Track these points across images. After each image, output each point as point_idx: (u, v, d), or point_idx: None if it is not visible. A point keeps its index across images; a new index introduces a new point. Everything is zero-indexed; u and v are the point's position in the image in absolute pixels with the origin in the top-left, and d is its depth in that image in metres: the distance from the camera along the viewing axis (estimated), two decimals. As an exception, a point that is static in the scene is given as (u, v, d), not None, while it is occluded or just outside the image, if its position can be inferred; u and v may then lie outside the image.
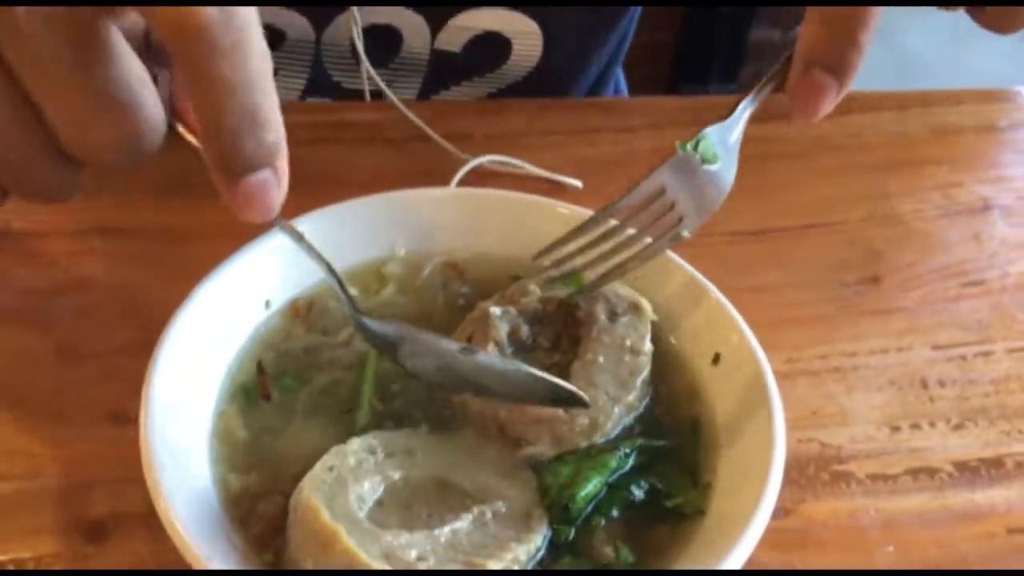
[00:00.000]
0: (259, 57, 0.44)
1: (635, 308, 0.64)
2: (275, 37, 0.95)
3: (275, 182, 0.47)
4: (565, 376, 0.62)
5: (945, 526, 0.65)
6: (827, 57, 0.54)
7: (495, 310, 0.64)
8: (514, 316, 0.64)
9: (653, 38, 2.79)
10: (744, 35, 2.86)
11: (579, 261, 0.64)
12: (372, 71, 0.89)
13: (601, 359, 0.62)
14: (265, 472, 0.57)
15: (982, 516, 0.66)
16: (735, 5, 2.70)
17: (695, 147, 0.60)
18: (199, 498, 0.54)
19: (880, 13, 0.53)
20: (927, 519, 0.65)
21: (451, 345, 0.59)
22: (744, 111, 0.61)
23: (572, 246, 0.64)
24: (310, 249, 0.57)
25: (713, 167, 0.60)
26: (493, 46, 0.99)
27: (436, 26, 0.97)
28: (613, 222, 0.62)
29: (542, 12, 0.97)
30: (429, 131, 0.88)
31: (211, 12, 0.42)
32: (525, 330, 0.64)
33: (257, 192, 0.46)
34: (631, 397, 0.61)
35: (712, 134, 0.61)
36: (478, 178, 0.84)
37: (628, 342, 0.63)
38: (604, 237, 0.63)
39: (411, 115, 0.88)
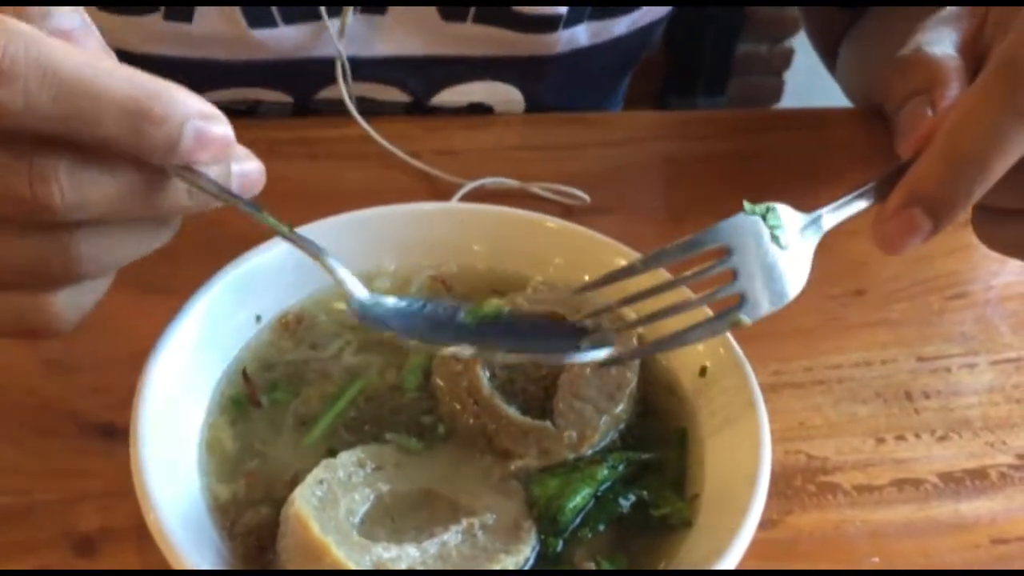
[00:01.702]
0: (79, 69, 0.43)
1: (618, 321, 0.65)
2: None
3: (205, 124, 0.46)
4: (552, 389, 0.62)
5: (930, 537, 0.66)
6: (934, 201, 0.51)
7: None
8: None
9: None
10: (731, 49, 2.88)
11: (626, 315, 0.59)
12: (362, 120, 0.89)
13: (588, 372, 0.62)
14: (255, 484, 0.57)
15: (967, 527, 0.66)
16: (723, 5, 2.72)
17: (764, 214, 0.54)
18: (190, 511, 0.54)
19: (1009, 163, 0.50)
20: (912, 530, 0.66)
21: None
22: (831, 211, 0.56)
23: (616, 294, 0.57)
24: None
25: (784, 251, 0.53)
26: (475, 111, 1.00)
27: (421, 101, 0.98)
28: (665, 274, 0.57)
29: (525, 83, 0.98)
30: (421, 165, 0.88)
31: None
32: None
33: (199, 146, 0.46)
34: (618, 409, 0.61)
35: (784, 211, 0.54)
36: (478, 195, 0.85)
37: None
38: (652, 291, 0.56)
39: (404, 155, 0.89)
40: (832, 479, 0.68)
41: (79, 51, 0.44)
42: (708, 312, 0.56)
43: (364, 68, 0.92)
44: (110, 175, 0.46)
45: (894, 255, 0.53)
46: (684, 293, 0.59)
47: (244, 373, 0.63)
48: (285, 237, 0.54)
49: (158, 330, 0.59)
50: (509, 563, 0.53)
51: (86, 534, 0.60)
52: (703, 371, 0.63)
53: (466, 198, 0.85)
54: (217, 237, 0.62)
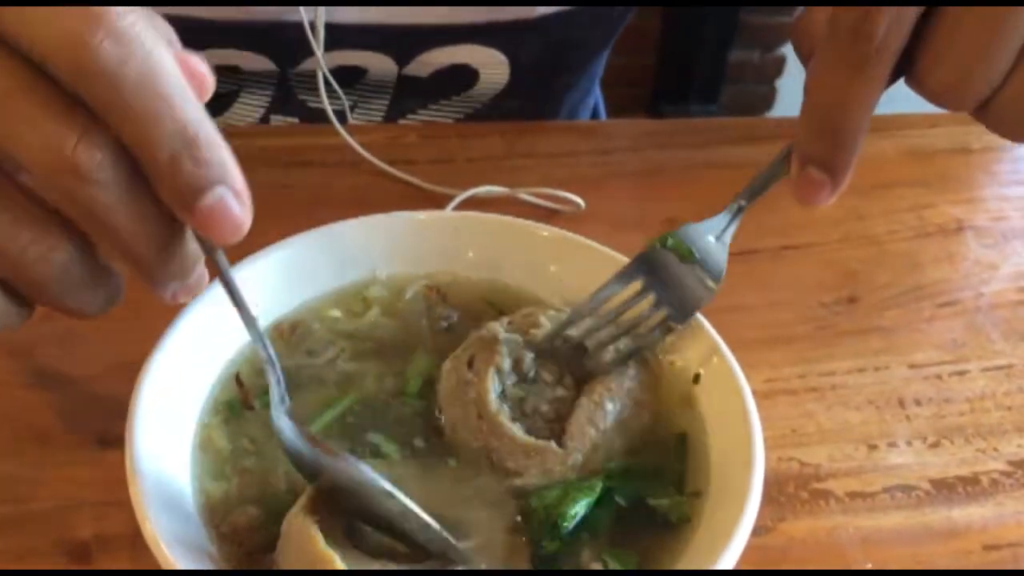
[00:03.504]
0: (170, 79, 0.44)
1: (643, 362, 0.65)
2: (236, 68, 0.96)
3: (232, 198, 0.45)
4: (569, 411, 0.61)
5: (923, 543, 0.66)
6: (819, 158, 0.55)
7: (504, 336, 0.63)
8: (520, 345, 0.63)
9: (633, 60, 2.82)
10: (723, 56, 2.89)
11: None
12: (341, 128, 0.89)
13: (609, 406, 0.61)
14: (248, 490, 0.58)
15: (959, 533, 0.67)
16: (717, 4, 2.73)
17: (664, 243, 0.62)
18: (184, 519, 0.54)
19: (867, 118, 0.53)
20: (905, 536, 0.66)
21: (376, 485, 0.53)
22: (732, 210, 0.63)
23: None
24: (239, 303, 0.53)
25: (693, 263, 0.62)
26: (460, 74, 1.00)
27: (403, 63, 0.98)
28: (591, 321, 0.64)
29: (509, 45, 0.98)
30: (412, 179, 0.89)
31: (106, 50, 0.42)
32: (529, 361, 0.63)
33: (216, 213, 0.45)
34: (625, 441, 0.61)
35: (686, 231, 0.63)
36: (471, 203, 0.86)
37: (638, 396, 0.63)
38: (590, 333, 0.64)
39: (396, 171, 0.89)
40: (825, 486, 0.68)
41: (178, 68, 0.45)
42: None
43: (345, 34, 0.91)
44: (143, 186, 0.45)
45: (816, 207, 0.57)
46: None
47: (237, 377, 0.63)
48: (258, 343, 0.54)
49: (152, 340, 0.59)
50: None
51: (81, 542, 0.60)
52: (696, 379, 0.64)
53: (460, 206, 0.85)
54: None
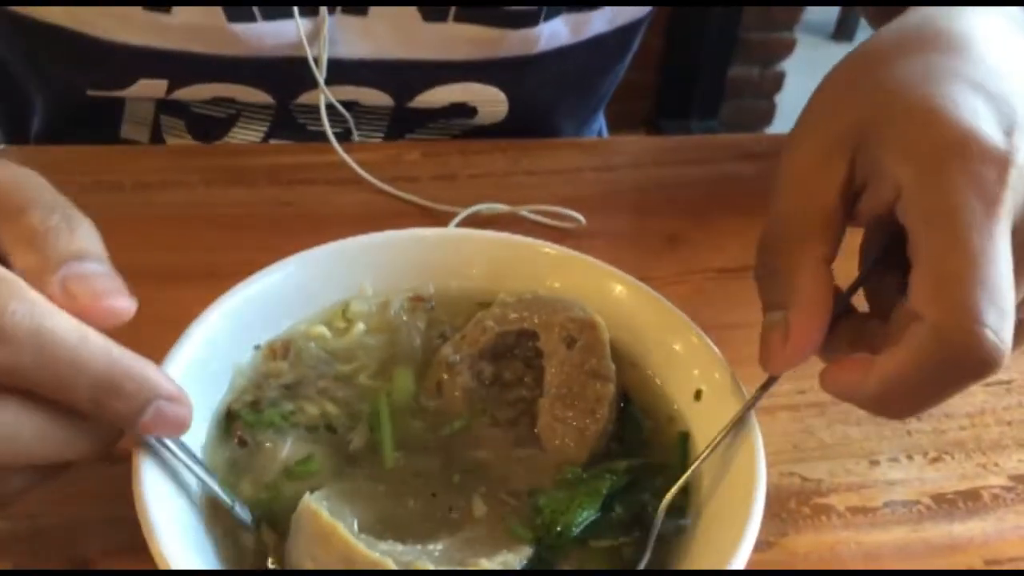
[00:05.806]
0: (70, 350, 0.45)
1: (588, 328, 0.64)
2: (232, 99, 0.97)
3: (167, 405, 0.49)
4: (534, 413, 0.63)
5: (924, 558, 0.66)
6: (889, 415, 0.54)
7: (454, 358, 0.64)
8: (475, 359, 0.64)
9: (633, 75, 2.84)
10: (723, 72, 2.90)
11: None
12: (341, 150, 0.90)
13: (565, 391, 0.62)
14: (254, 503, 0.58)
15: (960, 548, 0.67)
16: (723, 5, 2.74)
17: None
18: (192, 533, 0.54)
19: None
20: (907, 552, 0.67)
21: None
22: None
23: None
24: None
25: None
26: (458, 111, 1.01)
27: (402, 102, 0.98)
28: None
29: (508, 83, 0.99)
30: (413, 198, 0.89)
31: None
32: (488, 370, 0.65)
33: (156, 423, 0.49)
34: (600, 425, 0.62)
35: None
36: (474, 220, 0.86)
37: (588, 367, 0.63)
38: None
39: (396, 191, 0.89)
40: (826, 501, 0.69)
41: (69, 319, 0.46)
42: None
43: (344, 70, 0.92)
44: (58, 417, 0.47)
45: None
46: None
47: (230, 411, 0.62)
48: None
49: (158, 358, 0.59)
50: (511, 558, 0.54)
51: (88, 558, 0.60)
52: (698, 395, 0.64)
53: (462, 223, 0.85)
54: (219, 265, 0.62)
